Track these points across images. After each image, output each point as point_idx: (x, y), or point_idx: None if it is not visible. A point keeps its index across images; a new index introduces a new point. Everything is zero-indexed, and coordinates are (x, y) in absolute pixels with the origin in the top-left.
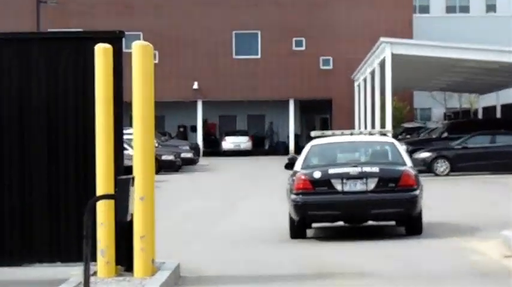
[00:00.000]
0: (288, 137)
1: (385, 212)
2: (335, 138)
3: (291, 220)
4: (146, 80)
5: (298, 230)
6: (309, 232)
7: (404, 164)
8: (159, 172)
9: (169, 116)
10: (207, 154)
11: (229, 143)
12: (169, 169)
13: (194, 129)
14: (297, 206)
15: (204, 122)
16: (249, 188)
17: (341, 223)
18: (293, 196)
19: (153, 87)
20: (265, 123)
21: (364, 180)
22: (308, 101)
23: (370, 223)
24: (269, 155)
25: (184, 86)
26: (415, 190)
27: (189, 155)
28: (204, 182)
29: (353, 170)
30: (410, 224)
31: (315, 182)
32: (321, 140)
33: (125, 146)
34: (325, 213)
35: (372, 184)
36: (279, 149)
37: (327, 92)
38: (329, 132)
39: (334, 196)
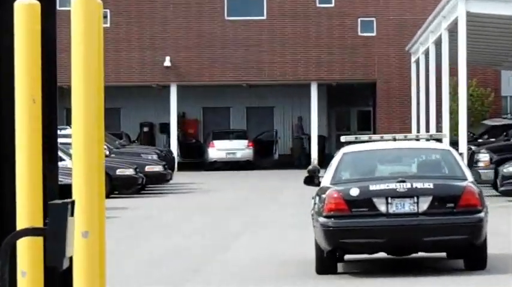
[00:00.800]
0: (308, 140)
1: (441, 240)
2: (373, 144)
3: (318, 251)
4: (92, 53)
5: (327, 264)
6: (340, 266)
7: (464, 178)
8: (112, 194)
9: (127, 109)
10: (185, 166)
11: (218, 150)
12: (127, 189)
13: (165, 129)
14: (328, 233)
15: (181, 118)
16: (251, 222)
17: (383, 254)
18: (322, 220)
19: (102, 64)
20: (273, 120)
21: (415, 199)
22: (339, 87)
23: (420, 254)
24: (284, 167)
25: (150, 62)
26: (479, 211)
27: (158, 168)
28: (181, 211)
29: (401, 187)
30: (471, 256)
31: (351, 202)
32: (355, 146)
33: (60, 154)
34: (365, 241)
35: (424, 204)
36: (301, 160)
37: (368, 72)
38: (364, 136)
39: (376, 220)
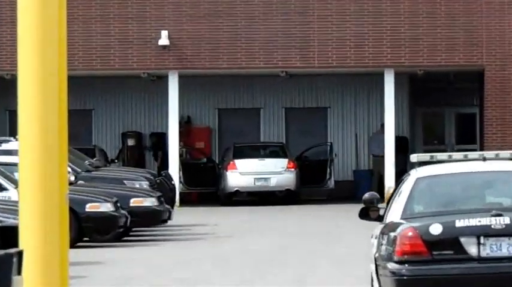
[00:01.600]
0: (382, 152)
1: None
2: (456, 166)
3: None
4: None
5: None
6: None
7: None
8: (80, 241)
9: (103, 111)
10: (191, 199)
11: (242, 174)
12: (102, 234)
13: (161, 141)
14: (402, 283)
15: (185, 124)
16: None
17: None
18: (393, 266)
19: (65, 43)
20: (327, 127)
21: None
22: (428, 77)
23: None
24: (343, 201)
25: (137, 40)
26: None
27: (150, 202)
28: (184, 269)
29: (497, 222)
30: None
31: (432, 243)
32: (431, 168)
33: (0, 181)
34: None
35: None
36: (361, 185)
37: (471, 55)
38: (443, 155)
39: (465, 266)
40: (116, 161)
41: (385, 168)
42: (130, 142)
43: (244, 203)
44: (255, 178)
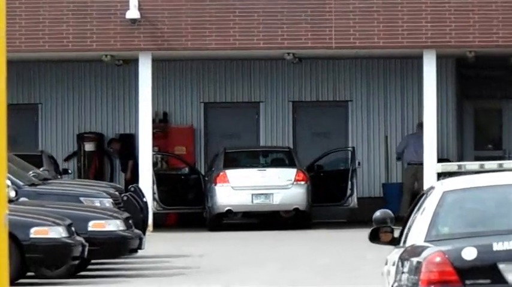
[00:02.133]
0: (419, 159)
1: None
2: (488, 177)
3: None
4: None
5: None
6: None
7: None
8: (23, 276)
9: (53, 106)
10: (168, 222)
11: (236, 189)
12: (52, 267)
13: (128, 146)
14: None
15: (160, 123)
16: None
17: None
18: None
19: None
20: (348, 127)
21: None
22: (480, 62)
23: None
24: (368, 224)
25: (97, 13)
26: None
27: (114, 226)
28: None
29: None
30: None
31: (465, 270)
32: (460, 181)
33: None
34: None
35: None
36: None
37: None
38: (473, 164)
39: None
40: (70, 171)
41: (423, 180)
42: (89, 147)
43: (238, 227)
44: (252, 194)
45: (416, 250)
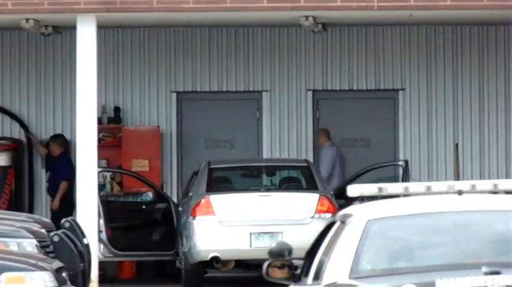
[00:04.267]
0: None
1: None
2: (419, 202)
3: None
4: None
5: None
6: None
7: None
8: None
9: None
10: (123, 274)
11: (225, 226)
12: None
13: (61, 156)
14: None
15: (109, 123)
16: None
17: None
18: None
19: None
20: (399, 123)
21: None
22: None
23: None
24: None
25: None
26: None
27: (41, 281)
28: None
29: (491, 282)
30: None
31: None
32: (385, 207)
33: None
34: None
35: None
36: None
37: None
38: (397, 186)
39: None
40: None
41: None
42: (3, 160)
43: (229, 283)
44: (251, 233)
45: None
